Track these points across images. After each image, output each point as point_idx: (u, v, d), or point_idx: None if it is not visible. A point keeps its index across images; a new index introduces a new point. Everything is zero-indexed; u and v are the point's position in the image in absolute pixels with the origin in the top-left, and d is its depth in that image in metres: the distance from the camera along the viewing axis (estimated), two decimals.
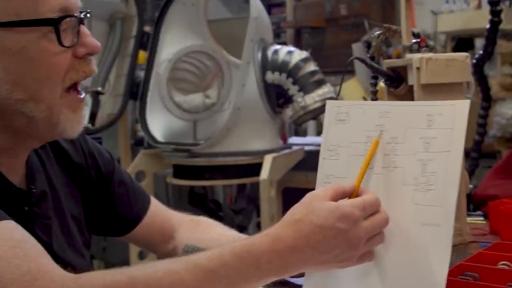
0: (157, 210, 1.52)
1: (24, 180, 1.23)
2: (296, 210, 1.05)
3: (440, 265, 1.06)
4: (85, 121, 1.20)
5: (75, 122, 1.17)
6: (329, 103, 1.25)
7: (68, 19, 1.12)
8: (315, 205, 1.04)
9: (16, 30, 1.09)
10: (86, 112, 1.19)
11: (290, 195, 3.98)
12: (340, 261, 1.05)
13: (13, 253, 0.94)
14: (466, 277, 1.22)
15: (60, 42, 1.11)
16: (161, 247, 1.53)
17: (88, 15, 1.19)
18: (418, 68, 1.51)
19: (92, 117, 3.60)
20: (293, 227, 1.02)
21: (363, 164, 1.14)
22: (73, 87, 1.16)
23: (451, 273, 1.14)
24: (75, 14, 1.14)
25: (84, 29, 1.16)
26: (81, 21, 1.15)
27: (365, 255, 1.07)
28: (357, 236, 1.03)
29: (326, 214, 1.02)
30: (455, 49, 4.42)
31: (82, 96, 1.18)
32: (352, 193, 1.09)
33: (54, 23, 1.10)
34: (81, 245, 1.34)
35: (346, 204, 1.04)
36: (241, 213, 4.09)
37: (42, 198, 1.24)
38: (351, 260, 1.06)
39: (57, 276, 0.95)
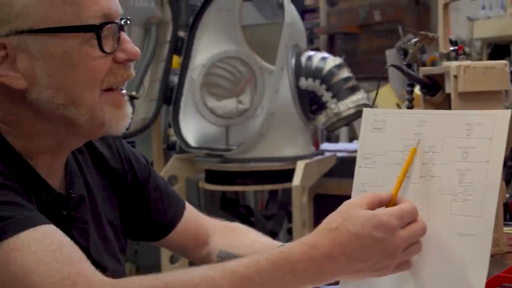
0: (192, 215, 1.52)
1: (63, 184, 1.25)
2: (332, 218, 1.05)
3: (478, 276, 1.06)
4: (130, 116, 1.21)
5: (120, 118, 1.18)
6: (365, 111, 1.26)
7: (109, 25, 1.13)
8: (351, 213, 1.03)
9: (59, 36, 1.10)
10: (129, 108, 1.21)
11: (322, 202, 3.99)
12: (377, 270, 1.04)
13: (53, 257, 0.96)
14: None
15: (101, 48, 1.12)
16: (195, 252, 1.53)
17: (128, 22, 1.21)
18: (455, 76, 1.50)
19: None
20: (329, 235, 1.02)
21: (400, 173, 1.13)
22: (110, 90, 1.17)
23: (488, 284, 1.13)
24: (116, 21, 1.15)
25: (124, 35, 1.17)
26: (121, 28, 1.17)
27: (402, 264, 1.07)
28: (394, 245, 1.02)
29: (362, 222, 1.02)
30: (491, 56, 4.39)
31: (123, 92, 1.19)
32: (389, 202, 1.09)
33: (96, 29, 1.11)
34: (117, 250, 1.35)
35: (383, 212, 1.04)
36: (272, 219, 4.08)
37: (80, 202, 1.25)
38: (387, 269, 1.05)
39: (95, 281, 0.96)
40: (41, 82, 1.11)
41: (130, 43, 1.17)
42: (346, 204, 1.06)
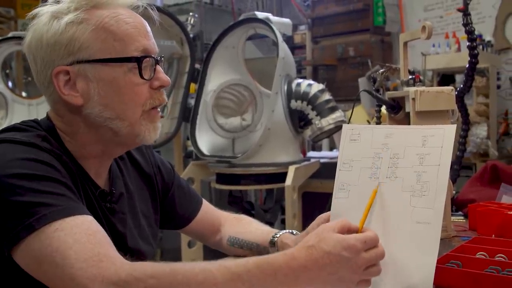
0: (207, 209, 1.53)
1: (107, 183, 1.26)
2: (311, 237, 1.04)
3: (430, 255, 1.06)
4: (159, 130, 1.22)
5: (152, 130, 1.19)
6: (345, 126, 1.26)
7: (147, 58, 1.16)
8: (326, 235, 1.03)
9: (109, 65, 1.13)
10: (160, 124, 1.22)
11: (308, 198, 3.98)
12: (342, 281, 1.03)
13: (88, 240, 0.97)
14: (452, 265, 1.21)
15: (141, 75, 1.14)
16: (210, 238, 1.54)
17: (163, 58, 1.22)
18: (413, 99, 1.51)
19: None
20: (305, 251, 1.01)
21: (364, 210, 1.13)
22: (153, 109, 1.19)
23: (439, 261, 1.14)
24: (153, 55, 1.18)
25: (158, 67, 1.19)
26: (157, 61, 1.19)
27: (362, 282, 1.05)
28: (357, 264, 1.02)
29: (334, 243, 1.01)
30: (440, 83, 4.40)
31: (159, 112, 1.21)
32: (356, 230, 1.08)
33: (138, 61, 1.14)
34: (149, 236, 1.35)
35: (351, 237, 1.03)
36: (269, 212, 4.07)
37: (120, 197, 1.27)
38: (351, 283, 1.03)
39: (117, 261, 0.96)
40: (94, 99, 1.14)
41: (163, 73, 1.20)
42: (322, 227, 1.06)
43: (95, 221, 1.03)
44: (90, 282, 0.92)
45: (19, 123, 1.17)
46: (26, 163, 1.02)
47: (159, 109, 1.21)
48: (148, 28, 1.20)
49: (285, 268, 1.00)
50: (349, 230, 1.06)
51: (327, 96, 3.75)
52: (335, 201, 1.22)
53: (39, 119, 1.22)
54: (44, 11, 1.16)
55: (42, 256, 0.96)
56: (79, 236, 0.97)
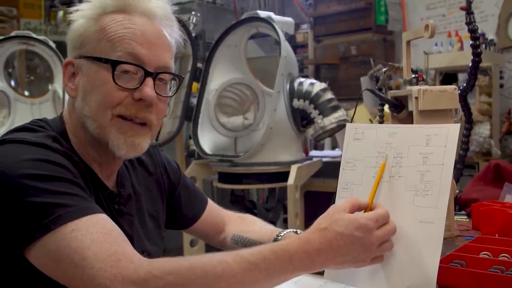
0: (212, 209, 1.53)
1: (116, 185, 1.26)
2: (322, 220, 1.06)
3: (434, 254, 1.07)
4: (139, 148, 1.16)
5: (125, 144, 1.15)
6: (348, 125, 1.26)
7: (129, 66, 1.13)
8: (337, 216, 1.04)
9: (96, 63, 1.14)
10: (144, 141, 1.13)
11: (311, 197, 3.99)
12: (356, 261, 1.05)
13: (105, 239, 0.97)
14: (455, 264, 1.21)
15: (114, 79, 1.12)
16: (214, 238, 1.54)
17: (164, 76, 1.18)
18: (416, 98, 1.50)
19: (157, 134, 3.62)
20: (319, 234, 1.03)
21: (374, 184, 1.14)
22: (124, 117, 1.14)
23: (442, 261, 1.14)
24: (145, 66, 1.14)
25: (149, 81, 1.14)
26: (152, 75, 1.14)
27: (377, 258, 1.08)
28: (371, 243, 1.04)
29: (346, 224, 1.03)
30: (442, 82, 4.40)
31: (135, 125, 1.15)
32: (366, 208, 1.10)
33: (112, 63, 1.12)
34: (155, 236, 1.36)
35: (362, 216, 1.05)
36: (271, 211, 4.06)
37: (128, 199, 1.27)
38: (365, 261, 1.06)
39: (135, 259, 0.96)
40: (80, 94, 1.16)
41: (148, 87, 1.14)
42: (332, 208, 1.08)
43: (109, 219, 1.03)
44: (111, 282, 0.93)
45: (28, 123, 1.16)
46: (38, 164, 1.02)
47: (137, 123, 1.15)
48: (154, 40, 1.16)
49: (300, 252, 1.01)
50: (359, 208, 1.09)
51: (329, 95, 3.75)
52: (338, 201, 1.22)
53: (48, 118, 1.22)
54: (80, 8, 1.19)
55: (59, 256, 0.96)
56: (96, 235, 0.97)
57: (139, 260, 0.97)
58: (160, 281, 0.94)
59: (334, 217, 1.04)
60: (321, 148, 5.24)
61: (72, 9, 1.19)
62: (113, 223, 1.03)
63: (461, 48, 4.39)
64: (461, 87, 2.05)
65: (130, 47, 1.13)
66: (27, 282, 1.04)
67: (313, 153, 4.72)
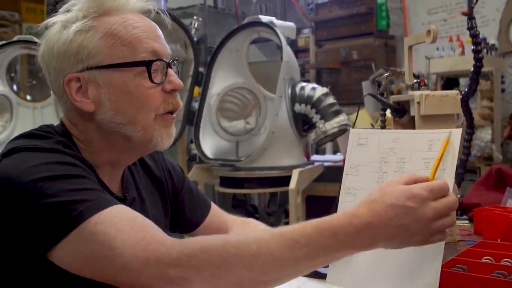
0: (216, 213, 1.53)
1: (120, 189, 1.26)
2: (373, 192, 0.99)
3: (435, 259, 1.06)
4: (173, 137, 1.20)
5: (165, 136, 1.17)
6: (352, 131, 1.25)
7: (157, 62, 1.15)
8: (388, 188, 0.98)
9: (118, 70, 1.12)
10: (175, 130, 1.20)
11: (312, 201, 3.98)
12: (412, 236, 0.96)
13: (130, 227, 0.96)
14: (457, 269, 1.22)
15: (151, 79, 1.14)
16: None
17: (176, 62, 1.21)
18: (418, 103, 1.51)
19: None
20: (368, 206, 0.96)
21: (436, 159, 1.08)
22: (168, 114, 1.18)
23: (444, 266, 1.15)
24: (164, 59, 1.17)
25: (170, 71, 1.18)
26: (168, 65, 1.18)
27: (436, 234, 0.99)
28: (425, 215, 0.95)
29: (397, 194, 0.96)
30: (443, 87, 4.40)
31: (173, 116, 1.19)
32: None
33: (147, 64, 1.13)
34: None
35: (415, 185, 0.98)
36: (273, 215, 4.07)
37: (133, 203, 1.27)
38: (422, 236, 0.97)
39: (166, 240, 0.95)
40: (105, 105, 1.13)
41: (175, 77, 1.18)
42: (386, 182, 1.01)
43: (129, 208, 1.03)
44: (145, 266, 0.92)
45: (35, 129, 1.16)
46: (50, 166, 1.01)
47: (174, 115, 1.20)
48: (159, 32, 1.19)
49: (346, 226, 0.94)
50: (417, 181, 1.00)
51: (331, 99, 3.75)
52: (341, 206, 1.22)
53: (54, 124, 1.22)
54: (55, 20, 1.17)
55: (87, 252, 0.95)
56: (120, 225, 0.95)
57: (170, 241, 0.95)
58: (194, 259, 0.92)
59: (386, 189, 0.98)
60: (323, 152, 5.24)
61: (47, 22, 1.17)
62: (134, 211, 1.02)
63: (463, 53, 4.39)
64: (462, 92, 2.06)
65: (149, 45, 1.14)
66: (48, 285, 1.04)
67: (314, 157, 4.71)
